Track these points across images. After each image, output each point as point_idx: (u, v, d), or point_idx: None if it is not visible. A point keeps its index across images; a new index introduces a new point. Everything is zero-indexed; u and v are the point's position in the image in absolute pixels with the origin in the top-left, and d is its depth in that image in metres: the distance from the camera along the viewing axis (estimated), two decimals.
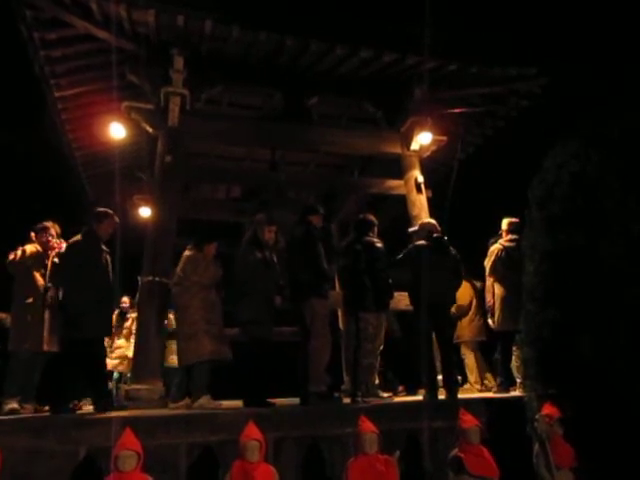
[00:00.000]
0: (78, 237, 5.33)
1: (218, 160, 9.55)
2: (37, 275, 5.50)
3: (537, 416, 4.06)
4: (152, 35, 6.78)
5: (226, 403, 5.52)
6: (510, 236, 6.57)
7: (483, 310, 7.54)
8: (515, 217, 6.61)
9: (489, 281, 6.90)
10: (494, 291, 6.67)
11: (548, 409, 4.06)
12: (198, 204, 10.14)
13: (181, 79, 6.96)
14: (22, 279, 5.48)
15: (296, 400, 5.37)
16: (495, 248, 6.62)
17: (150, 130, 7.21)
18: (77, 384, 5.30)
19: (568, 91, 9.88)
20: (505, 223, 6.74)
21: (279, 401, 5.46)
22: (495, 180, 12.34)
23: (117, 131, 7.37)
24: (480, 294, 7.46)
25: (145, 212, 8.55)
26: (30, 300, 5.39)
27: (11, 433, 3.87)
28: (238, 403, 5.34)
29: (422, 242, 5.82)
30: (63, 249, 5.60)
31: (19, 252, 5.55)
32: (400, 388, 6.89)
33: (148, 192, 8.33)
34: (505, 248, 6.52)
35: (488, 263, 6.68)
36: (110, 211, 5.54)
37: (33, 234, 5.69)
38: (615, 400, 3.89)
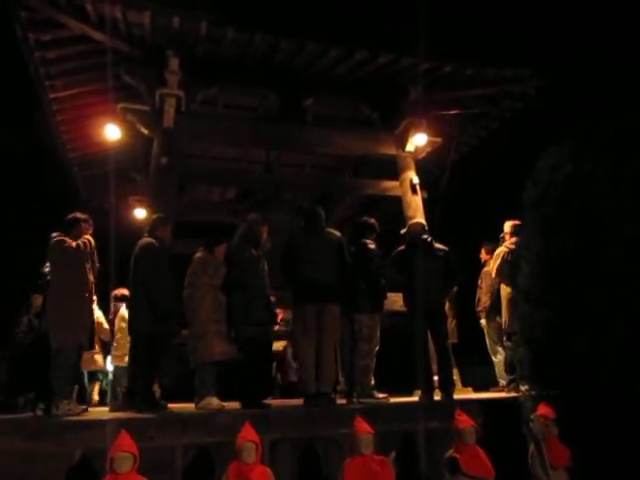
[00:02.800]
0: (149, 240, 5.35)
1: (213, 161, 9.54)
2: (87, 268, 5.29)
3: (532, 416, 4.08)
4: (147, 36, 6.77)
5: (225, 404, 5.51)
6: (514, 238, 6.61)
7: (454, 313, 7.63)
8: (511, 218, 6.64)
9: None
10: (498, 293, 6.76)
11: (543, 409, 4.08)
12: (193, 205, 10.14)
13: (176, 80, 6.96)
14: (77, 270, 5.17)
15: (291, 401, 5.37)
16: (500, 251, 6.67)
17: (145, 131, 7.20)
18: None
19: (563, 92, 9.91)
20: (507, 226, 6.78)
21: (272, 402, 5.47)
22: (490, 181, 12.38)
23: (112, 132, 7.37)
24: (453, 296, 7.53)
25: (140, 213, 8.54)
26: (86, 294, 5.21)
27: (6, 435, 3.86)
28: (235, 404, 5.33)
29: (403, 247, 6.07)
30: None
31: (85, 240, 5.30)
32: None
33: (143, 193, 8.32)
34: (511, 251, 6.56)
35: (494, 265, 6.71)
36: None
37: (87, 226, 5.43)
38: (610, 400, 3.90)
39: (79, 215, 5.46)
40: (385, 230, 6.62)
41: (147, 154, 7.67)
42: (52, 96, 7.43)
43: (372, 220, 6.15)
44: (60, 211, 5.36)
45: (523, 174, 4.93)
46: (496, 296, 7.06)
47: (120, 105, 7.02)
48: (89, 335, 5.27)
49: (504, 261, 6.58)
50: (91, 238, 5.40)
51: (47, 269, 5.55)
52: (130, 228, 8.39)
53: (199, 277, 5.43)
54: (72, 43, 6.79)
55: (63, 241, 5.22)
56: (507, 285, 6.60)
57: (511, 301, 6.48)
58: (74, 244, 5.21)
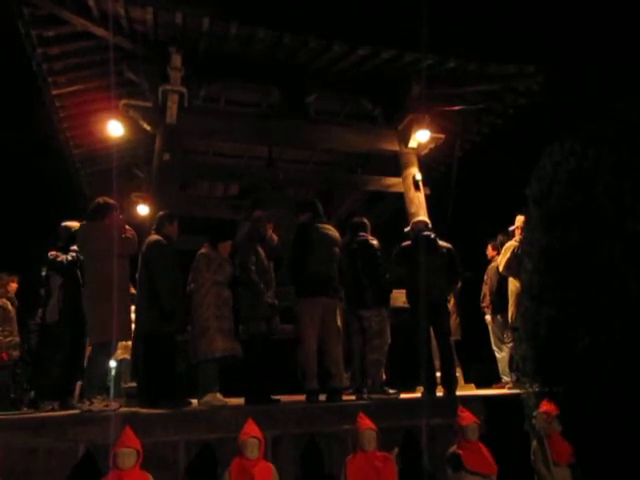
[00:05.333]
0: (157, 237, 5.34)
1: (216, 157, 9.55)
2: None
3: (535, 413, 4.07)
4: (150, 33, 6.77)
5: (228, 400, 5.52)
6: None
7: (458, 310, 7.60)
8: (520, 213, 6.59)
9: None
10: (501, 289, 6.72)
11: (546, 406, 4.07)
12: (196, 201, 10.14)
13: (179, 76, 6.96)
14: (125, 264, 5.02)
15: (295, 397, 5.38)
16: (510, 245, 6.60)
17: (148, 128, 7.20)
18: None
19: (567, 88, 9.88)
20: (519, 220, 6.66)
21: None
22: (494, 177, 12.36)
23: (115, 129, 7.36)
24: (457, 293, 7.49)
25: (143, 210, 8.55)
26: (130, 289, 5.20)
27: (9, 430, 3.87)
28: (238, 400, 5.34)
29: (408, 242, 6.07)
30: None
31: (133, 233, 5.17)
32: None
33: (146, 190, 8.33)
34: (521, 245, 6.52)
35: (502, 260, 6.67)
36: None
37: (119, 213, 5.23)
38: (613, 397, 3.90)
39: (110, 201, 5.16)
40: (388, 227, 6.62)
41: (150, 150, 7.68)
42: (55, 92, 7.44)
43: (364, 219, 6.16)
44: (62, 208, 5.31)
45: (528, 170, 4.91)
46: (498, 292, 7.05)
47: (123, 101, 7.03)
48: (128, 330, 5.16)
49: (514, 255, 6.53)
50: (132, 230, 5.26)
51: (66, 258, 5.39)
52: (133, 225, 8.38)
53: (202, 273, 5.44)
54: (75, 39, 6.80)
55: (110, 233, 4.92)
56: (516, 279, 6.56)
57: (519, 296, 6.46)
58: (128, 235, 5.06)
